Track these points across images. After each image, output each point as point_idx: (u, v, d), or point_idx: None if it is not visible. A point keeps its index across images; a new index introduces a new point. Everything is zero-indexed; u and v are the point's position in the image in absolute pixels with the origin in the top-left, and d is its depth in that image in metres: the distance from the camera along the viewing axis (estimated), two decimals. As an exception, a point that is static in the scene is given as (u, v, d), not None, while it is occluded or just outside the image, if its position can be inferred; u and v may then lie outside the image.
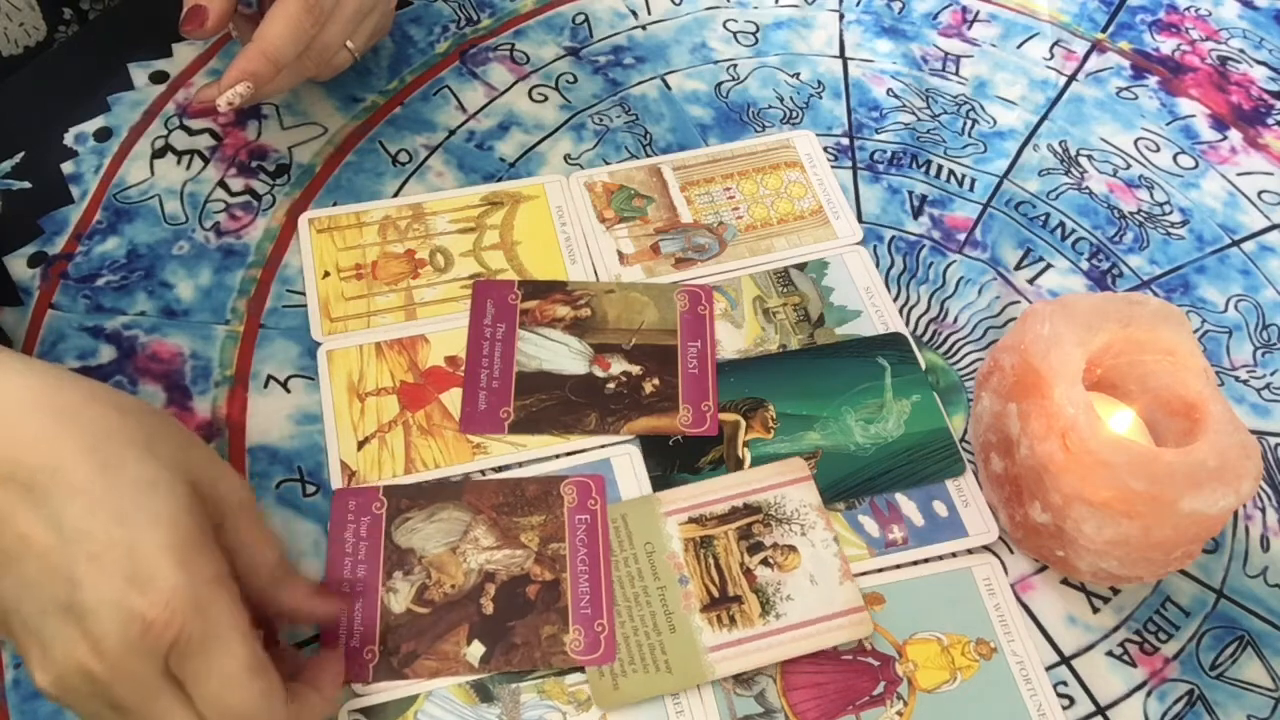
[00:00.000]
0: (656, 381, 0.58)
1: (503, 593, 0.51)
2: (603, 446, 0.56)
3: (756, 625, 0.52)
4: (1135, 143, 0.70)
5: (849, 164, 0.68)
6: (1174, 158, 0.70)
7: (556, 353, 0.59)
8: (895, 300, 0.62)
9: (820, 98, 0.71)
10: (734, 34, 0.73)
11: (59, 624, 0.41)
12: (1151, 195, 0.68)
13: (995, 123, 0.71)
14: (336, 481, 0.55)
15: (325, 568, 0.52)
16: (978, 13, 0.76)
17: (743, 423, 0.57)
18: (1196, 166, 0.70)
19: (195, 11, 0.58)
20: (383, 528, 0.52)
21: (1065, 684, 0.52)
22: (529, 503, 0.53)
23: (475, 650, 0.50)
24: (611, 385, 0.58)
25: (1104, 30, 0.76)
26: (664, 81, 0.71)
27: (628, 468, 0.56)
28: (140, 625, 0.41)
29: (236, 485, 0.46)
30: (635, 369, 0.59)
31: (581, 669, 0.50)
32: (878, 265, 0.64)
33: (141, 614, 0.41)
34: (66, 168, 0.64)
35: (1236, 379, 0.62)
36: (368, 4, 0.62)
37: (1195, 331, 0.59)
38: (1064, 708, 0.51)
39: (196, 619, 0.41)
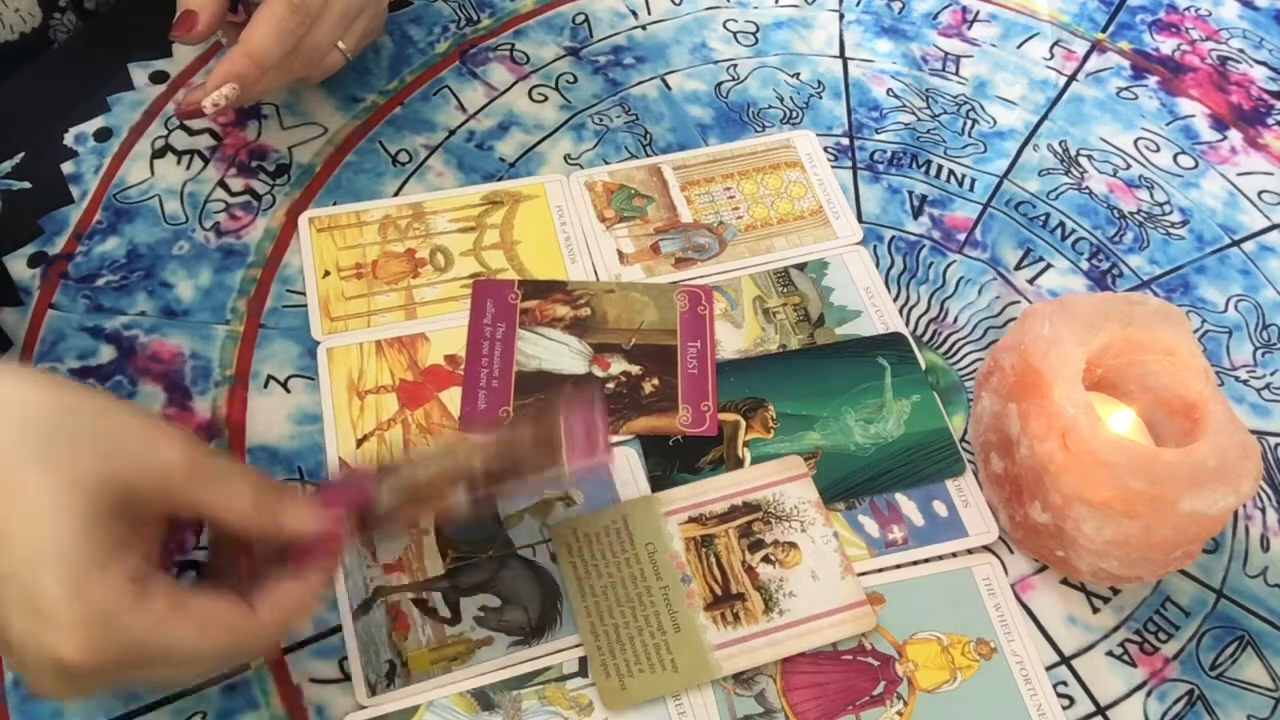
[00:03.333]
0: (656, 381, 0.58)
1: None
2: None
3: (760, 622, 0.52)
4: (1135, 143, 0.70)
5: (849, 164, 0.68)
6: (1174, 158, 0.70)
7: (556, 352, 0.59)
8: (895, 300, 0.62)
9: (820, 98, 0.71)
10: (734, 34, 0.73)
11: (6, 652, 0.41)
12: (1151, 195, 0.68)
13: (995, 123, 0.71)
14: (336, 481, 0.55)
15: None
16: (978, 13, 0.76)
17: (743, 423, 0.57)
18: (1196, 166, 0.70)
19: (185, 17, 0.58)
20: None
21: (1065, 684, 0.52)
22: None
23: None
24: (611, 385, 0.58)
25: (1104, 30, 0.76)
26: (664, 81, 0.71)
27: (627, 468, 0.56)
28: (61, 666, 0.40)
29: (179, 449, 0.43)
30: (635, 369, 0.59)
31: (583, 674, 0.50)
32: (878, 265, 0.64)
33: (59, 656, 0.40)
34: (66, 168, 0.64)
35: (1236, 379, 0.62)
36: (356, 5, 0.62)
37: (1195, 331, 0.59)
38: (1064, 708, 0.51)
39: (112, 642, 0.40)
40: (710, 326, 0.60)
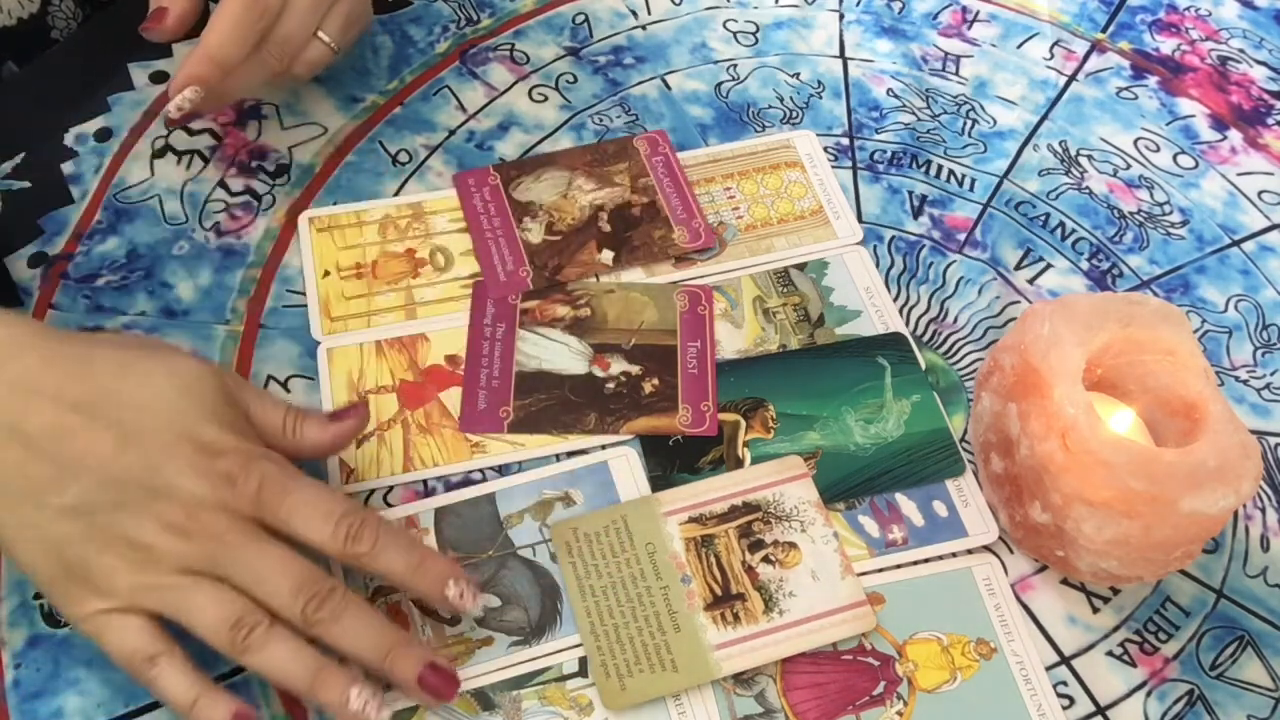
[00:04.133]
0: (656, 381, 0.58)
1: (614, 215, 0.63)
2: (603, 448, 0.56)
3: (760, 622, 0.52)
4: (1135, 143, 0.70)
5: (849, 164, 0.68)
6: (1174, 158, 0.70)
7: (556, 352, 0.59)
8: (895, 300, 0.62)
9: (820, 98, 0.71)
10: (734, 34, 0.73)
11: (144, 506, 0.45)
12: (1151, 195, 0.68)
13: (995, 123, 0.71)
14: (334, 480, 0.55)
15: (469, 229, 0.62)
16: (978, 13, 0.76)
17: (743, 423, 0.57)
18: (1196, 166, 0.70)
19: (156, 13, 0.58)
20: (503, 192, 0.63)
21: (1065, 684, 0.52)
22: (612, 156, 0.65)
23: (606, 255, 0.61)
24: (611, 385, 0.58)
25: (1104, 30, 0.76)
26: (664, 81, 0.71)
27: (627, 468, 0.56)
28: (227, 480, 0.46)
29: (228, 370, 0.51)
30: (635, 369, 0.59)
31: (583, 674, 0.50)
32: (878, 265, 0.64)
33: (226, 471, 0.46)
34: (66, 168, 0.64)
35: (1236, 379, 0.62)
36: None
37: (1195, 331, 0.59)
38: (1064, 708, 0.51)
39: (269, 465, 0.47)
40: (710, 326, 0.60)
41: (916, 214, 0.66)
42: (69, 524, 0.45)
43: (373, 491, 0.55)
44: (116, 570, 0.45)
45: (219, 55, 0.57)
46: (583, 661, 0.51)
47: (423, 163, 0.66)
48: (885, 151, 0.69)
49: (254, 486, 0.46)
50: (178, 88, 0.57)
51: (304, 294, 0.61)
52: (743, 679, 0.51)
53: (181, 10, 0.58)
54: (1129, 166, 0.69)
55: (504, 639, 0.51)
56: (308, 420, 0.51)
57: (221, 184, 0.64)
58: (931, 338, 0.62)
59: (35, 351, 0.47)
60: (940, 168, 0.68)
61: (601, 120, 0.69)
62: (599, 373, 0.59)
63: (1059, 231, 0.66)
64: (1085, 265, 0.65)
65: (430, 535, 0.54)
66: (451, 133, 0.67)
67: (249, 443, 0.48)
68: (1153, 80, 0.74)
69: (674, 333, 0.60)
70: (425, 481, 0.55)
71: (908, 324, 0.62)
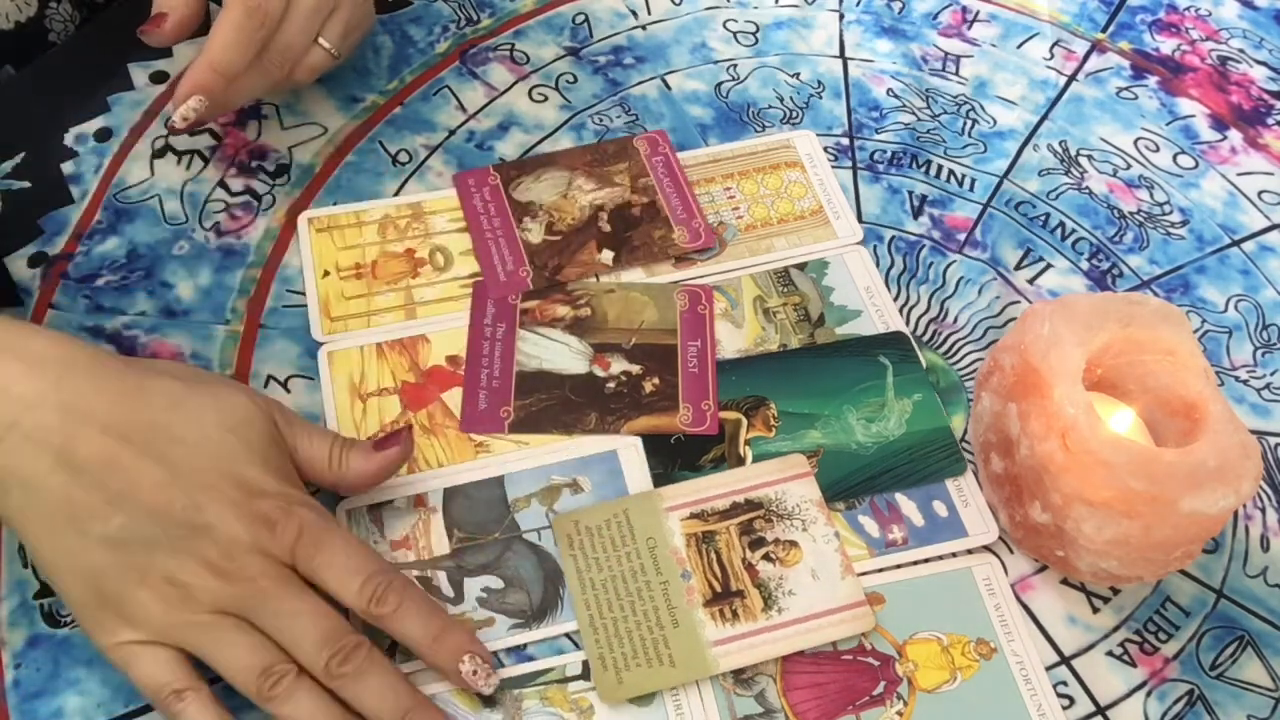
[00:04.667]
0: (656, 381, 0.58)
1: (614, 216, 0.63)
2: (606, 449, 0.57)
3: (759, 620, 0.52)
4: (1135, 143, 0.71)
5: (849, 164, 0.68)
6: (1174, 158, 0.70)
7: (556, 352, 0.59)
8: (895, 300, 0.62)
9: (820, 98, 0.71)
10: (734, 34, 0.73)
11: (184, 543, 0.46)
12: (1151, 195, 0.68)
13: (995, 123, 0.71)
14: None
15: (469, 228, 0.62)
16: (978, 13, 0.76)
17: (744, 421, 0.57)
18: (1196, 166, 0.70)
19: (155, 17, 0.58)
20: (503, 192, 0.63)
21: (1065, 684, 0.52)
22: (612, 156, 0.65)
23: (606, 255, 0.62)
24: (611, 385, 0.58)
25: (1104, 30, 0.76)
26: (664, 81, 0.71)
27: (636, 458, 0.56)
28: (266, 524, 0.47)
29: (278, 404, 0.51)
30: (635, 368, 0.59)
31: (585, 677, 0.50)
32: (878, 265, 0.64)
33: (266, 515, 0.47)
34: (66, 168, 0.64)
35: (1236, 379, 0.62)
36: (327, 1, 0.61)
37: (1195, 331, 0.59)
38: (1064, 708, 0.51)
39: (309, 514, 0.48)
40: (710, 325, 0.60)
41: (916, 214, 0.66)
42: (109, 554, 0.46)
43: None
44: (151, 605, 0.46)
45: (221, 63, 0.57)
46: (586, 665, 0.51)
47: (423, 163, 0.66)
48: (885, 151, 0.69)
49: (293, 534, 0.47)
50: (181, 97, 0.57)
51: (304, 294, 0.61)
52: (743, 679, 0.51)
53: (180, 16, 0.58)
54: (1129, 166, 0.69)
55: (505, 620, 0.52)
56: (353, 451, 0.51)
57: (221, 184, 0.64)
58: (931, 338, 0.62)
59: (89, 376, 0.47)
60: (940, 168, 0.68)
61: (601, 120, 0.69)
62: (599, 372, 0.59)
63: (1059, 231, 0.66)
64: (1085, 265, 0.65)
65: (438, 513, 0.54)
66: (451, 133, 0.67)
67: (293, 488, 0.49)
68: (1153, 80, 0.74)
69: (674, 332, 0.60)
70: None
71: (908, 324, 0.62)
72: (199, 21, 0.59)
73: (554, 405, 0.57)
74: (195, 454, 0.47)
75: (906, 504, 0.56)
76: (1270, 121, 0.72)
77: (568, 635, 0.52)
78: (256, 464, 0.48)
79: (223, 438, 0.48)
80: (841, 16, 0.75)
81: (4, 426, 0.45)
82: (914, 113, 0.71)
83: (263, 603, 0.46)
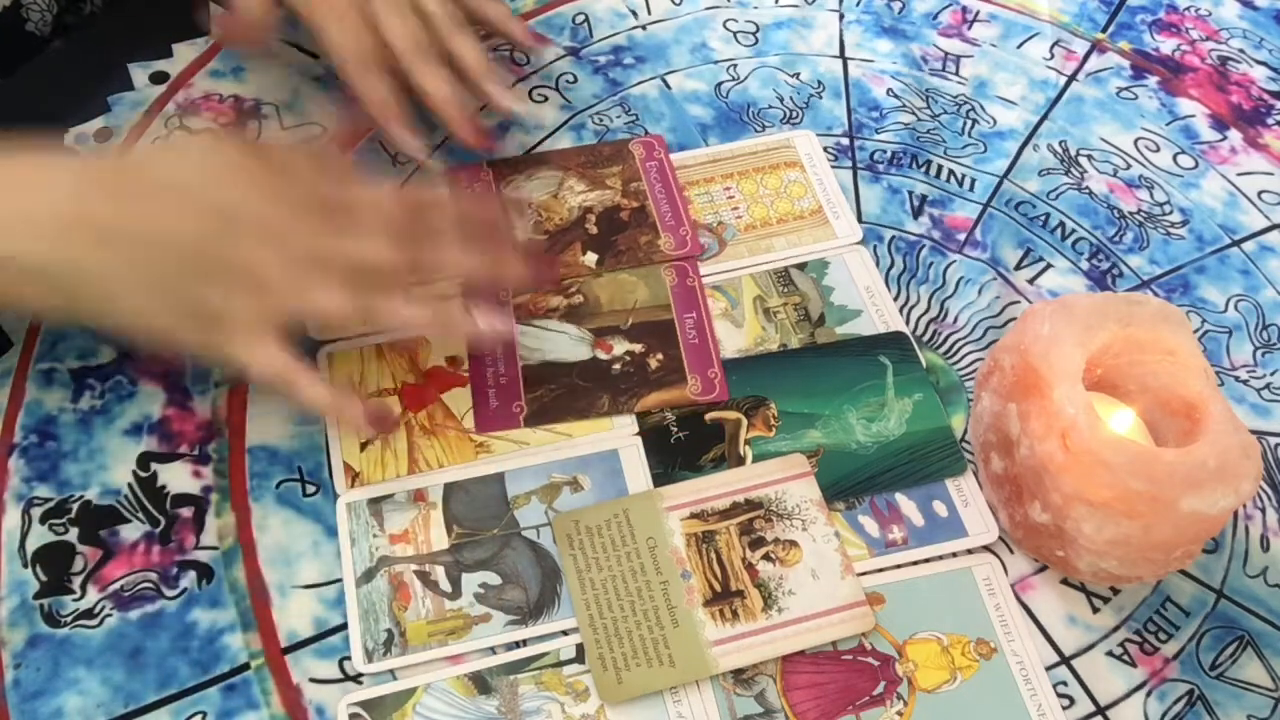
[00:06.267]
0: (660, 356, 0.58)
1: (602, 218, 0.63)
2: (607, 448, 0.57)
3: (759, 620, 0.52)
4: (1135, 143, 0.71)
5: (849, 164, 0.68)
6: (1174, 158, 0.70)
7: (557, 342, 0.59)
8: (895, 300, 0.62)
9: (820, 98, 0.71)
10: (734, 34, 0.73)
11: (238, 235, 0.50)
12: (1151, 195, 0.68)
13: (995, 123, 0.71)
14: (339, 484, 0.55)
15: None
16: (978, 13, 0.76)
17: (744, 421, 0.57)
18: (1196, 166, 0.70)
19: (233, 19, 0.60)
20: (494, 188, 0.65)
21: (1065, 684, 0.52)
22: (607, 159, 0.66)
23: (590, 257, 0.62)
24: (617, 366, 0.58)
25: (1104, 30, 0.76)
26: (664, 81, 0.71)
27: (636, 457, 0.56)
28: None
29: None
30: (637, 347, 0.59)
31: (580, 660, 0.51)
32: (878, 265, 0.64)
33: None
34: (67, 167, 0.64)
35: (1236, 379, 0.62)
36: None
37: (1195, 331, 0.59)
38: (1064, 708, 0.51)
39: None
40: (702, 295, 0.60)
41: (916, 214, 0.66)
42: (183, 282, 0.49)
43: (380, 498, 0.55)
44: (241, 301, 0.50)
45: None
46: (579, 648, 0.51)
47: (422, 163, 0.66)
48: (885, 151, 0.69)
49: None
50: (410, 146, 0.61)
51: (304, 294, 0.60)
52: (743, 679, 0.51)
53: (252, 17, 0.60)
54: (1129, 166, 0.69)
55: (501, 617, 0.52)
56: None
57: (222, 184, 0.64)
58: (931, 338, 0.62)
59: (95, 170, 0.52)
60: (940, 168, 0.68)
61: (601, 120, 0.69)
62: (603, 355, 0.59)
63: (1059, 231, 0.66)
64: (1085, 265, 0.65)
65: (438, 509, 0.54)
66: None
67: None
68: (1153, 80, 0.74)
69: (668, 307, 0.60)
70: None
71: (908, 324, 0.62)
72: (270, 29, 0.60)
73: (564, 394, 0.57)
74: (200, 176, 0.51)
75: (906, 504, 0.56)
76: (1270, 121, 0.72)
77: (564, 633, 0.52)
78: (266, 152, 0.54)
79: (220, 155, 0.53)
80: (841, 16, 0.75)
81: (52, 229, 0.48)
82: (914, 113, 0.71)
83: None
